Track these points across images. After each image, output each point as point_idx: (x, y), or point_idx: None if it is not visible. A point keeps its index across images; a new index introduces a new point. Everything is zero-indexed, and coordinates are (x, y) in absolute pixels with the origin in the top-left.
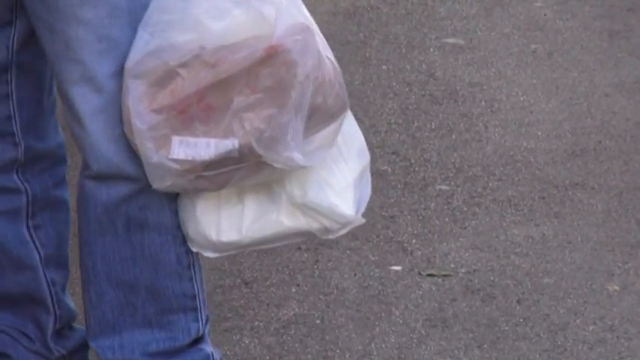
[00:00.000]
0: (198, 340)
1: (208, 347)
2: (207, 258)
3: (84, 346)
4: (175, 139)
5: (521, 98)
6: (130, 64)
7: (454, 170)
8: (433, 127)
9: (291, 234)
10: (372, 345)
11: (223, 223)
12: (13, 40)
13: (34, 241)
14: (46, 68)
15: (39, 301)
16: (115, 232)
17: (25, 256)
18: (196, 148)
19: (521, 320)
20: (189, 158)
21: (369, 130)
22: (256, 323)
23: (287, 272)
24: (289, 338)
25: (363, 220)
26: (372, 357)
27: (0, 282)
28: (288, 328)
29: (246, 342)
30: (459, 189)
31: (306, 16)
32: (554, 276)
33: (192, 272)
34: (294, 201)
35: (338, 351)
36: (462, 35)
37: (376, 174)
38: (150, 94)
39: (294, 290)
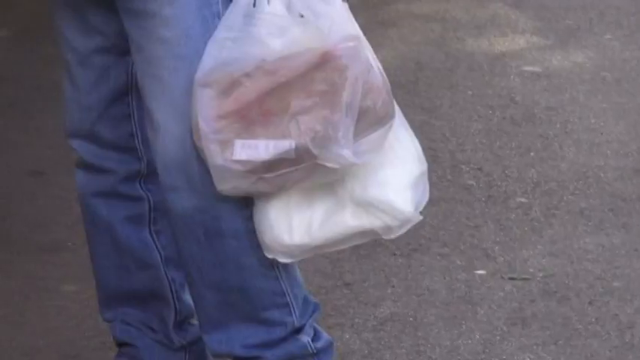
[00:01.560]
0: (295, 331)
1: (305, 337)
2: (312, 262)
3: (201, 338)
4: (238, 142)
5: (592, 121)
6: (199, 74)
7: (532, 185)
8: (513, 146)
9: (356, 233)
10: (460, 341)
11: (295, 227)
12: (132, 66)
13: (155, 244)
14: None
15: (161, 297)
16: (196, 240)
17: (148, 257)
18: (256, 149)
19: (593, 320)
20: (251, 159)
21: (456, 149)
22: (356, 320)
23: (383, 275)
24: (385, 334)
25: (421, 217)
26: (460, 352)
27: (127, 281)
28: (384, 325)
29: (347, 337)
30: (537, 201)
31: (356, 29)
32: (623, 280)
33: (277, 272)
34: (356, 199)
35: (429, 346)
36: (539, 64)
37: (462, 188)
38: (216, 101)
39: (389, 291)
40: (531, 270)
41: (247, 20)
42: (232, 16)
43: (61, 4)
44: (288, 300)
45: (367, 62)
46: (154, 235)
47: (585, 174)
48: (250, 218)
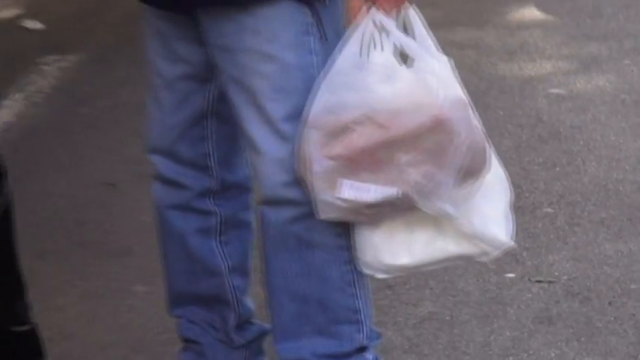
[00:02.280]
0: (361, 349)
1: (370, 355)
2: None
3: (259, 338)
4: (346, 182)
5: (612, 138)
6: (310, 117)
7: (557, 196)
8: (540, 161)
9: (452, 257)
10: (491, 337)
11: (397, 249)
12: (210, 92)
13: (221, 254)
14: None
15: (224, 301)
16: (287, 249)
17: (214, 265)
18: (362, 191)
19: (612, 319)
20: (357, 200)
21: None
22: (398, 319)
23: (422, 278)
24: (424, 331)
25: (515, 245)
26: (491, 347)
27: (195, 285)
28: (423, 323)
29: (390, 334)
30: (562, 212)
31: (459, 87)
32: (639, 283)
33: (355, 289)
34: (461, 230)
35: (463, 342)
36: (564, 87)
37: None
38: (325, 142)
39: (428, 293)
40: (556, 273)
41: (357, 67)
42: (342, 62)
43: (153, 35)
44: (360, 318)
45: (474, 126)
46: (221, 246)
47: (606, 187)
48: (340, 235)
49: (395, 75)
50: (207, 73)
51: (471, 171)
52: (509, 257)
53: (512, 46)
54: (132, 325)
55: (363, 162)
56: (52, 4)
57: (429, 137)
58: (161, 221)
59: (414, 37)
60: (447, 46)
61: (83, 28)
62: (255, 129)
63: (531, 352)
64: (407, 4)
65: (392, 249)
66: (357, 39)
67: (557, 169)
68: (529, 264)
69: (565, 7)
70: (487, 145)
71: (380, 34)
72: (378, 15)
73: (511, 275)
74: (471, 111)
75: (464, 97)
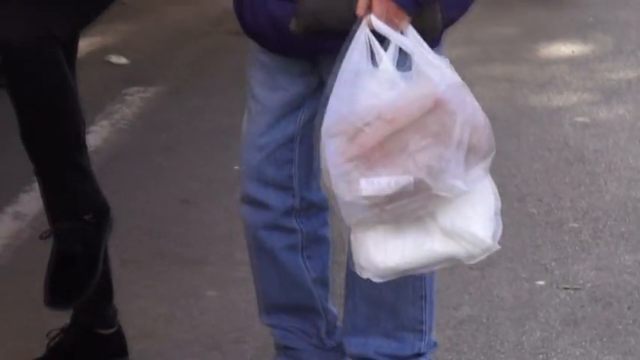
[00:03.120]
0: (419, 355)
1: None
2: None
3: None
4: (363, 180)
5: (631, 161)
6: (326, 127)
7: (582, 213)
8: (567, 181)
9: (441, 260)
10: (523, 337)
11: (389, 253)
12: (301, 118)
13: (306, 267)
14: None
15: (312, 309)
16: None
17: (301, 278)
18: (380, 185)
19: (631, 322)
20: (376, 194)
21: (521, 183)
22: (440, 321)
23: (461, 284)
24: (463, 332)
25: (499, 247)
26: (523, 346)
27: (286, 296)
28: (462, 324)
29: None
30: (586, 226)
31: (455, 74)
32: None
33: (424, 303)
34: (445, 230)
35: (498, 342)
36: (587, 115)
37: (526, 215)
38: (343, 148)
39: (466, 298)
40: (581, 281)
41: (361, 77)
42: (346, 75)
43: (258, 67)
44: (424, 329)
45: (472, 106)
46: (306, 260)
47: (625, 204)
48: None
49: (397, 78)
50: (301, 101)
51: (475, 148)
52: (539, 267)
53: (542, 80)
54: (205, 326)
55: (376, 157)
56: (135, 42)
57: (432, 120)
58: (252, 240)
59: (411, 41)
60: (483, 80)
61: (162, 63)
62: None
63: (559, 350)
64: (403, 14)
65: (384, 252)
66: (357, 49)
67: (582, 188)
68: (557, 273)
69: (589, 45)
70: (489, 128)
71: (379, 41)
72: (375, 22)
73: (541, 283)
74: (468, 92)
75: (459, 80)
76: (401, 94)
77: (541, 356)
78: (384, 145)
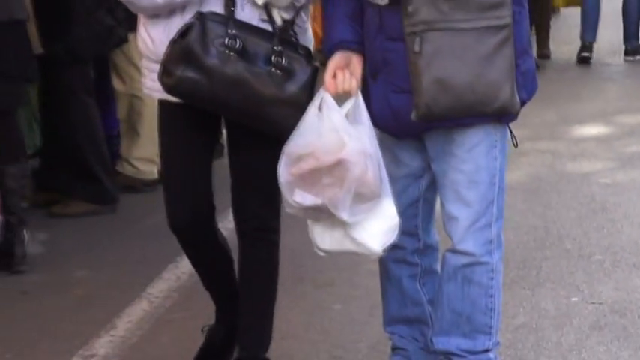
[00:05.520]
0: (487, 350)
1: (492, 354)
2: None
3: None
4: (297, 191)
5: None
6: (286, 147)
7: (605, 248)
8: (594, 226)
9: (349, 250)
10: (562, 339)
11: (325, 240)
12: (422, 185)
13: (422, 291)
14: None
15: (423, 321)
16: (456, 282)
17: (419, 298)
18: (304, 199)
19: None
20: (302, 203)
21: (560, 227)
22: (501, 326)
23: (518, 300)
24: (519, 335)
25: (381, 253)
26: (562, 345)
27: (404, 311)
28: (518, 329)
29: None
30: (608, 258)
31: (373, 146)
32: None
33: (492, 313)
34: (351, 236)
35: (543, 342)
36: (609, 178)
37: (563, 250)
38: (289, 166)
39: (521, 309)
40: (604, 298)
41: (313, 120)
42: (308, 117)
43: (384, 148)
44: (492, 332)
45: (365, 168)
46: (422, 286)
47: (637, 242)
48: (492, 278)
49: (332, 127)
50: (422, 172)
51: (361, 195)
52: (573, 287)
53: (575, 152)
54: (332, 331)
55: (306, 179)
56: None
57: (336, 170)
58: (384, 269)
59: (354, 114)
60: (532, 153)
61: None
62: (453, 207)
63: (588, 347)
64: (355, 91)
65: (321, 239)
66: (315, 105)
67: (605, 230)
68: (586, 292)
69: (609, 127)
70: (377, 180)
71: (326, 105)
72: (326, 94)
73: (575, 299)
74: (369, 161)
75: (367, 150)
76: (325, 144)
77: (574, 352)
78: (311, 174)
